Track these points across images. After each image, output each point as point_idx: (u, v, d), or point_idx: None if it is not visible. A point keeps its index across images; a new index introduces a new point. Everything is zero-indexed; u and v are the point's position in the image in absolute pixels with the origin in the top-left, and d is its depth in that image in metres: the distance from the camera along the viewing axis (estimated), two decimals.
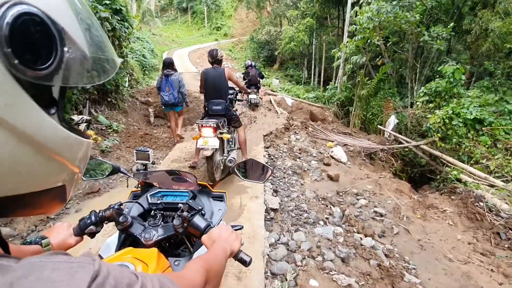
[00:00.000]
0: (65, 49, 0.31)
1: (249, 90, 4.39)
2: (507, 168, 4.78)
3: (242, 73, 5.08)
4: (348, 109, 10.85)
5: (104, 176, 1.22)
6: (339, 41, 17.01)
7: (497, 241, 3.46)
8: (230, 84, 3.86)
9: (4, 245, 0.37)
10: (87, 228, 0.89)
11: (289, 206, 3.26)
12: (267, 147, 5.24)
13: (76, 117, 4.95)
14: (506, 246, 3.37)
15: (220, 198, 1.21)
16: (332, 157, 5.63)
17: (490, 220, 3.70)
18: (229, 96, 3.89)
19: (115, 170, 1.19)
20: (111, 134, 5.44)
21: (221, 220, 1.11)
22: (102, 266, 0.30)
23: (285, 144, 5.47)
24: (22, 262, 0.28)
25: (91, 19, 0.36)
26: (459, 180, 4.81)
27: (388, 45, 10.03)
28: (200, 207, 0.96)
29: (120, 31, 6.17)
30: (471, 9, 10.38)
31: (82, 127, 4.97)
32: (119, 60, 0.42)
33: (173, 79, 4.87)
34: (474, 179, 4.69)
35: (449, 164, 5.30)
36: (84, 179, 1.20)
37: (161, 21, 35.57)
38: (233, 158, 3.68)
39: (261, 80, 8.61)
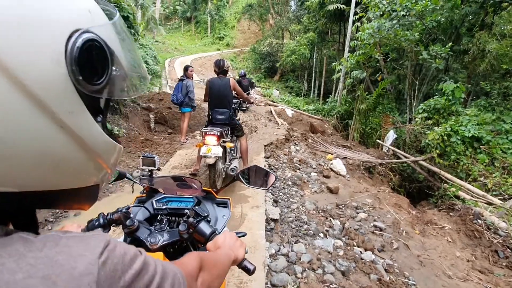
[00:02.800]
0: (113, 68, 0.38)
1: (251, 100, 4.52)
2: (504, 187, 4.82)
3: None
4: (347, 122, 10.95)
5: (111, 181, 1.19)
6: (340, 56, 17.33)
7: (495, 259, 3.46)
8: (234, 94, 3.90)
9: (35, 229, 0.40)
10: (95, 230, 0.90)
11: (289, 217, 3.26)
12: (268, 157, 5.26)
13: None
14: (504, 264, 3.37)
15: (224, 204, 1.22)
16: (332, 170, 5.65)
17: (489, 238, 3.71)
18: (233, 106, 3.93)
19: (121, 176, 1.21)
20: None
21: (225, 226, 1.12)
22: (111, 239, 0.35)
23: (285, 154, 5.50)
24: (40, 236, 0.32)
25: (131, 44, 0.43)
26: (457, 197, 4.84)
27: (388, 61, 10.24)
28: (206, 214, 0.97)
29: None
30: (469, 30, 10.68)
31: None
32: (148, 77, 0.48)
33: (183, 83, 5.57)
34: (472, 196, 4.72)
35: (447, 181, 5.34)
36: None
37: (164, 29, 36.12)
38: (235, 166, 3.71)
39: (251, 89, 9.49)
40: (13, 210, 0.36)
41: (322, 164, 5.71)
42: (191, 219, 0.90)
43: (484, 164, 5.15)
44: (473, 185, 4.86)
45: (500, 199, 4.60)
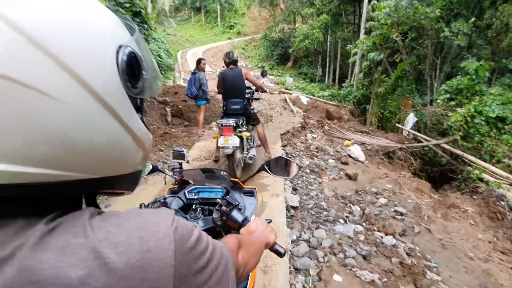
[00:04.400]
0: (144, 73, 0.45)
1: (265, 89, 4.58)
2: None
3: (261, 72, 5.37)
4: (364, 107, 10.70)
5: (144, 174, 1.26)
6: (355, 38, 16.71)
7: None
8: (247, 83, 3.98)
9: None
10: None
11: (308, 204, 3.33)
12: (284, 146, 5.31)
13: None
14: None
15: (251, 193, 1.29)
16: (350, 156, 5.63)
17: (511, 219, 3.63)
18: (247, 96, 4.00)
19: (154, 169, 1.29)
20: None
21: (252, 214, 1.19)
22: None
23: (302, 143, 5.52)
24: (125, 211, 0.41)
25: (148, 50, 0.50)
26: (481, 180, 4.71)
27: (406, 41, 9.82)
28: (237, 203, 1.04)
29: (140, 32, 6.38)
30: (492, 3, 9.97)
31: None
32: (160, 76, 0.58)
33: (195, 76, 5.61)
34: (496, 178, 4.58)
35: (471, 163, 5.18)
36: None
37: (175, 21, 36.01)
38: (253, 155, 3.83)
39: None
40: (87, 192, 0.45)
41: (339, 150, 5.70)
42: (223, 208, 0.97)
43: (509, 145, 4.95)
44: (497, 167, 4.70)
45: None
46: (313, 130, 6.57)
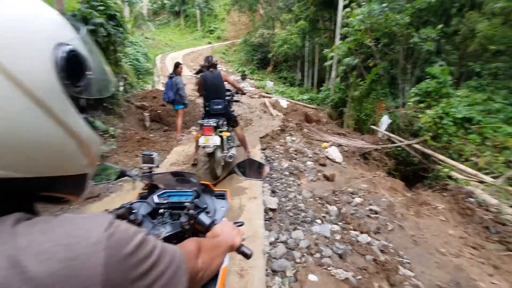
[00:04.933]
0: (88, 73, 0.45)
1: (245, 91, 4.69)
2: (495, 165, 4.95)
3: (241, 76, 5.47)
4: (342, 110, 11.01)
5: (112, 180, 1.28)
6: (332, 43, 17.22)
7: (487, 235, 3.60)
8: (227, 86, 4.16)
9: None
10: None
11: (287, 206, 3.35)
12: (264, 149, 5.33)
13: None
14: (495, 239, 3.51)
15: (222, 196, 1.30)
16: (328, 158, 5.74)
17: (480, 215, 3.85)
18: (227, 97, 4.15)
19: (122, 174, 1.25)
20: (108, 139, 5.45)
21: (224, 217, 1.18)
22: (116, 219, 0.41)
23: (281, 145, 5.57)
24: (58, 217, 0.39)
25: (97, 51, 0.50)
26: (450, 177, 4.97)
27: (379, 46, 10.25)
28: (205, 206, 1.04)
29: (115, 36, 6.22)
30: (459, 11, 10.67)
31: None
32: (115, 79, 0.60)
33: (172, 81, 5.53)
34: (464, 176, 4.85)
35: (441, 162, 5.46)
36: (94, 183, 1.28)
37: (153, 25, 35.36)
38: (233, 154, 4.01)
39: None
40: (19, 195, 0.42)
41: (318, 153, 5.80)
42: (191, 211, 0.96)
43: (476, 144, 5.27)
44: (465, 165, 4.98)
45: (491, 177, 4.73)
46: (292, 133, 6.66)
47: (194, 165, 4.37)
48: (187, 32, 38.03)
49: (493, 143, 5.35)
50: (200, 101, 10.21)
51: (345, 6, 10.97)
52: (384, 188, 4.50)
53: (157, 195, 1.20)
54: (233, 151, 4.06)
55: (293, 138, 6.32)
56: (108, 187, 3.70)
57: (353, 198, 3.80)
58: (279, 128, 6.47)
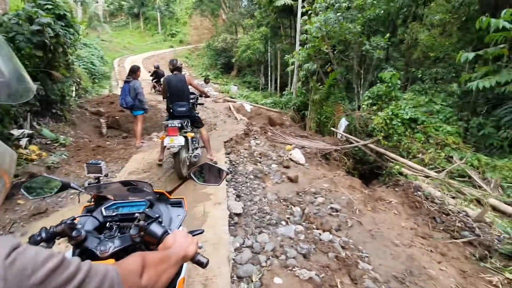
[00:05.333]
0: None
1: (208, 94, 4.76)
2: (438, 160, 5.51)
3: (204, 79, 5.45)
4: (304, 113, 11.42)
5: (53, 193, 1.18)
6: (292, 49, 17.84)
7: (434, 225, 3.96)
8: (191, 90, 4.27)
9: None
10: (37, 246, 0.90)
11: (252, 210, 3.36)
12: (228, 153, 5.30)
13: (16, 132, 4.48)
14: (441, 228, 3.87)
15: (178, 204, 1.23)
16: (291, 160, 5.90)
17: (427, 207, 4.24)
18: (191, 100, 4.23)
19: (65, 186, 1.16)
20: (58, 149, 5.00)
21: (180, 225, 1.12)
22: (22, 244, 0.37)
23: (245, 149, 5.59)
24: None
25: (9, 53, 0.43)
26: (401, 174, 5.40)
27: (335, 53, 10.89)
28: (157, 215, 0.97)
29: (65, 37, 5.75)
30: (404, 21, 11.79)
31: (24, 142, 4.51)
32: (34, 86, 0.49)
33: (129, 85, 5.26)
34: (413, 172, 5.31)
35: (392, 160, 5.92)
36: (31, 198, 1.16)
37: (110, 27, 33.50)
38: (198, 153, 4.11)
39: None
40: None
41: (282, 155, 5.93)
42: (142, 222, 0.90)
43: (421, 142, 5.81)
44: (413, 162, 5.46)
45: (435, 172, 5.25)
46: (257, 137, 6.73)
47: (159, 165, 4.43)
48: (147, 35, 36.68)
49: (435, 141, 5.96)
50: (161, 106, 9.86)
51: (303, 14, 11.45)
52: (343, 186, 4.74)
53: (105, 208, 1.12)
54: (198, 151, 4.15)
55: (258, 142, 6.39)
56: (57, 201, 3.39)
57: (315, 198, 3.94)
58: (243, 132, 6.50)
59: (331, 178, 4.97)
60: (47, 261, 0.35)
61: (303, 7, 11.38)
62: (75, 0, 24.17)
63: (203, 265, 0.84)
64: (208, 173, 1.24)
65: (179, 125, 3.65)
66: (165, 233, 0.87)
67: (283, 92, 14.50)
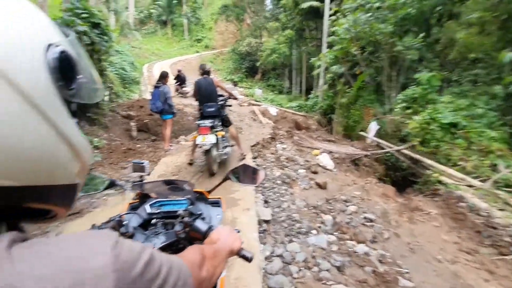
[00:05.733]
0: (79, 76, 0.43)
1: (236, 96, 5.30)
2: (482, 169, 5.04)
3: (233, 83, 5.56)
4: (330, 116, 11.11)
5: (100, 190, 1.20)
6: (319, 52, 17.55)
7: (480, 239, 3.60)
8: (220, 92, 4.53)
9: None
10: None
11: (280, 217, 3.25)
12: (255, 158, 5.23)
13: None
14: (488, 243, 3.51)
15: (216, 204, 1.26)
16: (319, 165, 5.71)
17: (472, 219, 3.87)
18: (220, 102, 4.44)
19: (112, 184, 1.18)
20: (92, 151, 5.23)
21: (219, 224, 1.13)
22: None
23: (272, 154, 5.49)
24: (56, 237, 0.36)
25: (86, 56, 0.49)
26: (440, 182, 5.01)
27: (363, 54, 10.52)
28: (200, 212, 1.00)
29: (100, 44, 6.05)
30: (438, 20, 11.10)
31: None
32: (102, 86, 0.58)
33: (159, 90, 5.34)
34: (453, 180, 4.90)
35: (429, 167, 5.52)
36: (82, 194, 1.25)
37: (140, 34, 35.08)
38: (228, 151, 4.39)
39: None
40: (7, 207, 0.38)
41: (309, 160, 5.75)
42: (186, 219, 0.93)
43: (462, 148, 5.36)
44: (453, 169, 5.05)
45: (479, 181, 4.80)
46: (283, 141, 6.61)
47: (190, 164, 4.58)
48: (175, 41, 37.95)
49: (478, 148, 5.47)
50: (187, 110, 10.07)
51: (330, 15, 11.22)
52: (376, 194, 4.48)
53: (149, 205, 1.15)
54: (227, 149, 4.38)
55: (284, 146, 6.27)
56: (91, 202, 3.50)
57: (347, 206, 3.75)
58: (270, 136, 6.41)
59: (363, 186, 4.72)
60: (142, 253, 0.38)
61: (330, 9, 11.17)
62: (109, 9, 25.66)
63: (248, 259, 0.84)
64: (245, 173, 1.24)
65: (210, 124, 3.89)
66: (210, 228, 0.89)
67: (309, 96, 14.26)
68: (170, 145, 5.70)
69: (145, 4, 42.04)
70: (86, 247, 0.35)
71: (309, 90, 18.17)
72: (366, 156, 7.02)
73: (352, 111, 10.71)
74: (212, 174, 4.01)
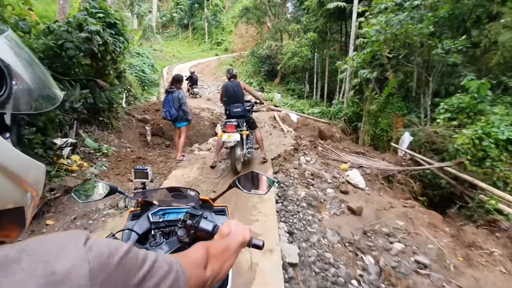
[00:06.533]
0: (13, 82, 0.37)
1: (262, 100, 5.44)
2: None
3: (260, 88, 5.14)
4: (356, 124, 10.29)
5: (102, 197, 1.16)
6: (342, 55, 16.70)
7: None
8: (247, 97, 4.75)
9: None
10: None
11: (310, 256, 2.61)
12: (276, 172, 4.62)
13: (59, 141, 4.37)
14: None
15: (222, 212, 1.22)
16: (349, 182, 5.01)
17: None
18: (247, 107, 4.63)
19: (113, 190, 1.14)
20: (99, 159, 4.83)
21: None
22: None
23: (295, 168, 4.86)
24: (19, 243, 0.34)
25: (31, 57, 0.42)
26: (499, 211, 4.16)
27: (393, 58, 9.68)
28: (200, 212, 0.97)
29: (114, 45, 5.70)
30: (475, 22, 9.99)
31: (66, 151, 4.38)
32: (61, 94, 0.47)
33: (173, 96, 4.83)
34: None
35: (483, 191, 4.66)
36: (80, 201, 1.16)
37: (162, 37, 35.72)
38: (252, 151, 4.51)
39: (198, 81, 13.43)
40: None
41: (337, 176, 5.07)
42: (189, 222, 0.90)
43: None
44: None
45: None
46: (306, 152, 5.95)
47: (212, 167, 4.59)
48: (195, 44, 38.28)
49: None
50: (204, 114, 9.63)
51: (359, 15, 10.46)
52: (422, 225, 3.72)
53: (152, 213, 1.11)
54: (251, 149, 4.51)
55: (308, 158, 5.61)
56: (87, 224, 3.02)
57: (391, 242, 3.04)
58: (292, 147, 5.77)
59: (405, 213, 3.98)
60: (120, 247, 0.38)
61: (358, 9, 10.42)
62: (132, 13, 26.11)
63: (260, 247, 0.82)
64: (253, 181, 1.15)
65: (236, 123, 4.11)
66: (216, 226, 0.88)
67: (332, 101, 13.46)
68: (183, 155, 5.20)
69: (168, 8, 42.86)
70: (58, 243, 0.34)
71: (330, 95, 17.33)
72: (400, 172, 6.21)
73: (379, 119, 9.84)
74: (236, 173, 4.03)
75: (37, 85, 0.41)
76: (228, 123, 4.10)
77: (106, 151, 5.05)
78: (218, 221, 1.11)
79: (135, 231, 1.06)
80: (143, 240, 1.05)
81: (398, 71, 9.92)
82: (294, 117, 9.85)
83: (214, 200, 1.20)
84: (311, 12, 16.56)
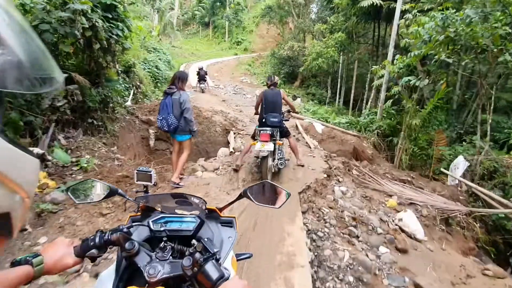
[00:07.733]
0: None
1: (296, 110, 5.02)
2: None
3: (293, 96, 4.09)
4: (392, 139, 8.81)
5: (101, 199, 1.09)
6: (373, 59, 15.15)
7: None
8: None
9: None
10: (89, 251, 0.82)
11: None
12: (304, 212, 3.33)
13: None
14: None
15: (229, 224, 1.08)
16: (401, 229, 3.66)
17: None
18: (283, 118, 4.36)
19: (112, 192, 1.08)
20: (74, 176, 3.72)
21: (231, 249, 0.97)
22: None
23: (331, 208, 3.54)
24: None
25: (27, 29, 0.37)
26: None
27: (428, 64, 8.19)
28: (215, 250, 0.83)
29: (110, 32, 4.62)
30: None
31: None
32: (61, 77, 0.41)
33: (173, 99, 3.58)
34: None
35: None
36: (77, 202, 1.07)
37: (183, 35, 35.28)
38: (284, 162, 4.26)
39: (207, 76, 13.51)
40: None
41: (385, 219, 3.73)
42: (197, 255, 0.77)
43: None
44: None
45: None
46: (340, 179, 4.62)
47: (235, 170, 4.32)
48: (215, 42, 37.61)
49: None
50: (216, 118, 8.48)
51: (403, 11, 9.01)
52: None
53: (153, 221, 0.99)
54: (283, 160, 4.29)
55: (343, 189, 4.28)
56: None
57: None
58: (325, 174, 4.44)
59: None
60: None
61: (404, 5, 8.96)
62: (153, 7, 25.57)
63: None
64: (265, 192, 1.06)
65: (271, 132, 3.94)
66: (221, 278, 0.74)
67: (363, 111, 11.97)
68: (181, 177, 3.98)
69: (190, 6, 42.51)
70: None
71: (354, 102, 15.81)
72: (462, 213, 4.76)
73: (419, 135, 8.32)
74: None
75: (29, 58, 0.34)
76: (262, 132, 3.93)
77: (85, 165, 3.94)
78: (225, 234, 1.01)
79: (133, 240, 0.89)
80: (152, 242, 0.94)
81: (439, 80, 8.39)
82: (319, 127, 8.50)
83: (221, 210, 1.09)
84: (341, 11, 15.13)
